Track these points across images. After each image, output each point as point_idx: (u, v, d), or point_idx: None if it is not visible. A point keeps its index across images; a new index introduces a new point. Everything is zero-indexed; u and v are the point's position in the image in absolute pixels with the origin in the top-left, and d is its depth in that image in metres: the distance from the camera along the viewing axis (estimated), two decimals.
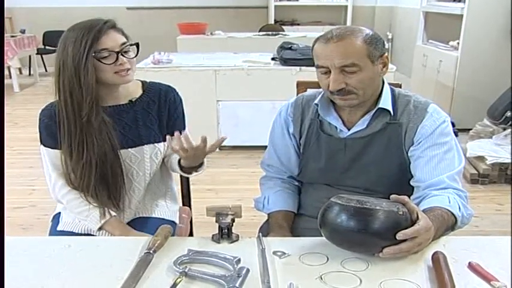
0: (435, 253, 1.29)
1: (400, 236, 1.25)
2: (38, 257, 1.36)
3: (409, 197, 1.55)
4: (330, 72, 1.56)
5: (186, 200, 2.22)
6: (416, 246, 1.28)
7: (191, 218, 2.21)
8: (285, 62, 4.58)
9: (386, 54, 1.62)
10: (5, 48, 7.41)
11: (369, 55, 1.55)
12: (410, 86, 6.33)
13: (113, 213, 1.80)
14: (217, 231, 1.44)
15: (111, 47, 1.66)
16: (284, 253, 1.35)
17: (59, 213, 1.94)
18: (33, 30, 8.59)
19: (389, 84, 1.78)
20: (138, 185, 1.90)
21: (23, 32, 8.33)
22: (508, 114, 4.36)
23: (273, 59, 4.86)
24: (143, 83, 1.91)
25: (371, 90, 1.62)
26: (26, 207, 3.57)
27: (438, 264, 1.24)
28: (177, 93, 1.94)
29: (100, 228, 1.77)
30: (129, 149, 1.82)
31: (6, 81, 8.07)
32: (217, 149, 4.67)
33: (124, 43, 1.70)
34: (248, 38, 6.68)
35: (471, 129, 4.64)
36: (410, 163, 1.67)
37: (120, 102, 1.82)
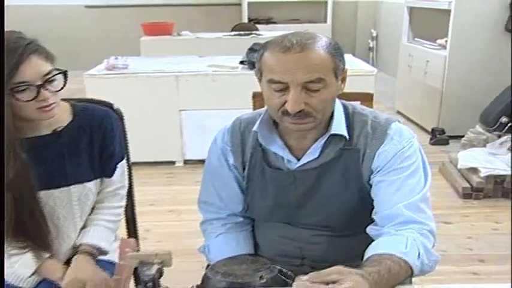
0: None
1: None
2: None
3: None
4: (288, 89, 1.32)
5: (131, 227, 1.95)
6: None
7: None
8: (254, 65, 4.11)
9: (346, 67, 1.43)
10: None
11: (334, 68, 1.35)
12: (395, 88, 6.22)
13: (47, 255, 1.56)
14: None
15: (32, 80, 1.37)
16: None
17: None
18: None
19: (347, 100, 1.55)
20: (68, 231, 1.64)
21: None
22: (503, 119, 4.20)
23: (241, 62, 4.54)
24: (73, 106, 1.64)
25: (329, 111, 1.42)
26: None
27: None
28: (115, 118, 1.70)
29: (34, 273, 1.53)
30: (52, 190, 1.57)
31: None
32: (181, 163, 4.41)
33: (48, 72, 1.41)
34: (218, 38, 6.38)
35: (463, 136, 4.47)
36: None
37: (41, 132, 1.55)
